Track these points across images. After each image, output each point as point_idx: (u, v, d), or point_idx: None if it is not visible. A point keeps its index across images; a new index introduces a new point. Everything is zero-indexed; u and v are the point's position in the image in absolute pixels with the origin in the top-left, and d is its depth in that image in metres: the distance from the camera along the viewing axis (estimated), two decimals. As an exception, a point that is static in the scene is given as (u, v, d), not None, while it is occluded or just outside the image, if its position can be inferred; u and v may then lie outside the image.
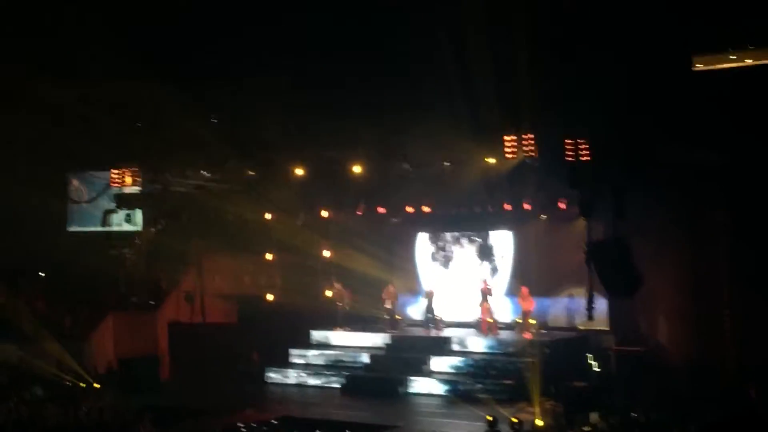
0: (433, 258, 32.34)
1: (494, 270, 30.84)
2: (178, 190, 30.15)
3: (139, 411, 24.28)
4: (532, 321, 28.38)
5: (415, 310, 31.87)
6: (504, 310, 29.71)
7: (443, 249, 32.13)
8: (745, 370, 23.43)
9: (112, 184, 29.92)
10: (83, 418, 23.80)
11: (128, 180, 29.48)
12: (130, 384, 28.50)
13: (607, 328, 27.27)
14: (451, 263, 31.99)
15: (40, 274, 34.50)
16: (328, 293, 31.31)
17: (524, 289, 28.41)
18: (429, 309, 30.16)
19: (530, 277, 29.03)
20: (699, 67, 23.17)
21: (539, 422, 21.75)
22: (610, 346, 26.64)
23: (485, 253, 31.09)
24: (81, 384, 28.74)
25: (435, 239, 32.31)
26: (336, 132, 26.03)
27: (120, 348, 31.84)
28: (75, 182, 34.43)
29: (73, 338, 31.52)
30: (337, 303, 31.02)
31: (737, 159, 23.17)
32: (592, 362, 26.43)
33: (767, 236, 23.27)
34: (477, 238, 31.36)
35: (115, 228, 31.81)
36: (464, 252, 31.69)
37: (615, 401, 22.22)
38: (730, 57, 23.00)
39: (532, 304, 28.40)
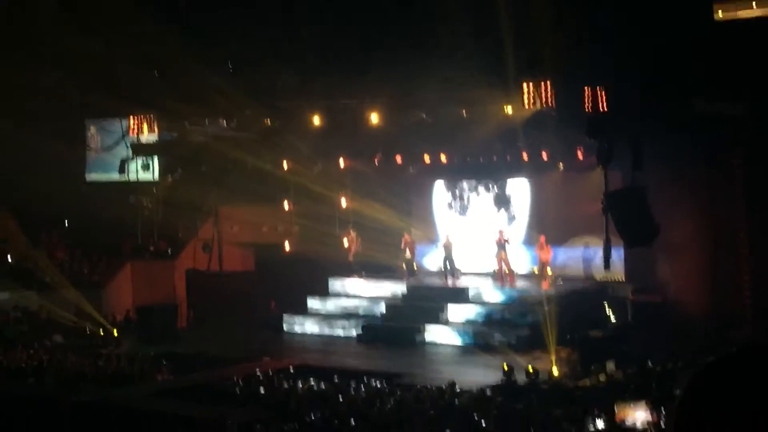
0: (450, 206, 32.27)
1: (511, 218, 30.78)
2: (195, 139, 30.16)
3: (156, 358, 24.50)
4: (548, 271, 28.36)
5: (432, 260, 31.87)
6: (521, 260, 29.68)
7: (460, 197, 32.07)
8: (762, 319, 23.41)
9: (129, 133, 29.93)
10: (101, 365, 24.04)
11: (146, 128, 29.49)
12: (147, 332, 28.73)
13: (623, 278, 27.29)
14: (468, 211, 31.94)
15: (59, 223, 34.65)
16: (346, 242, 31.36)
17: (542, 238, 28.34)
18: (447, 258, 30.12)
19: (547, 226, 29.00)
20: (720, 15, 22.93)
21: (555, 371, 21.84)
22: (626, 295, 26.66)
23: (502, 201, 31.01)
24: (99, 331, 28.99)
25: (452, 187, 32.23)
26: (353, 81, 25.91)
27: (138, 296, 32.09)
28: (93, 129, 34.48)
29: (92, 286, 31.78)
30: (350, 252, 31.02)
31: (756, 109, 23.00)
32: (609, 312, 26.48)
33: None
34: (494, 187, 31.28)
35: (132, 177, 31.88)
36: (481, 200, 31.61)
37: (631, 351, 22.27)
38: (752, 5, 22.74)
39: (550, 254, 28.36)
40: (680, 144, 24.17)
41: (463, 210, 31.98)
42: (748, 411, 1.49)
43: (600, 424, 15.52)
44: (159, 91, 28.35)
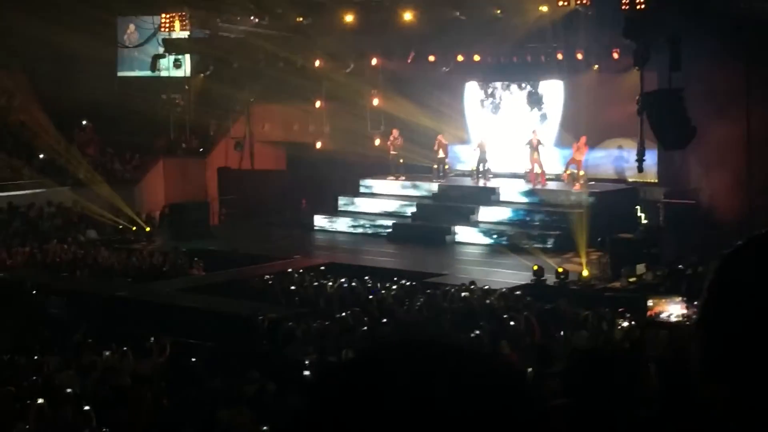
0: (482, 105, 31.91)
1: (543, 117, 30.38)
2: (227, 35, 29.97)
3: (188, 255, 24.72)
4: (581, 172, 28.09)
5: (465, 160, 31.70)
6: (553, 161, 29.46)
7: (492, 96, 31.73)
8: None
9: (161, 29, 29.78)
10: (135, 261, 24.29)
11: (177, 25, 29.33)
12: (179, 229, 28.89)
13: (656, 181, 27.11)
14: (499, 111, 31.61)
15: (92, 119, 34.66)
16: (377, 142, 31.19)
17: (582, 138, 27.78)
18: (481, 159, 29.89)
19: (580, 128, 28.68)
20: None
21: (585, 273, 21.86)
22: (658, 198, 26.50)
23: (535, 100, 30.59)
24: (132, 228, 29.22)
25: (484, 87, 31.87)
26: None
27: (170, 193, 32.25)
28: (132, 27, 34.28)
29: (125, 183, 31.96)
30: (392, 152, 30.70)
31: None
32: (641, 214, 26.39)
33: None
34: (527, 86, 30.88)
35: (164, 73, 31.79)
36: (513, 99, 31.23)
37: (662, 253, 22.23)
38: None
39: (584, 155, 27.93)
40: (719, 46, 23.72)
41: (495, 109, 31.66)
42: None
43: (629, 323, 15.56)
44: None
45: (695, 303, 15.62)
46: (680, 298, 16.22)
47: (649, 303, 16.09)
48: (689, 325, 14.56)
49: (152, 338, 15.43)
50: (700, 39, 22.26)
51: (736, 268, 1.46)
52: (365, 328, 16.04)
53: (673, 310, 15.91)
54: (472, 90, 31.97)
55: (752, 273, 1.43)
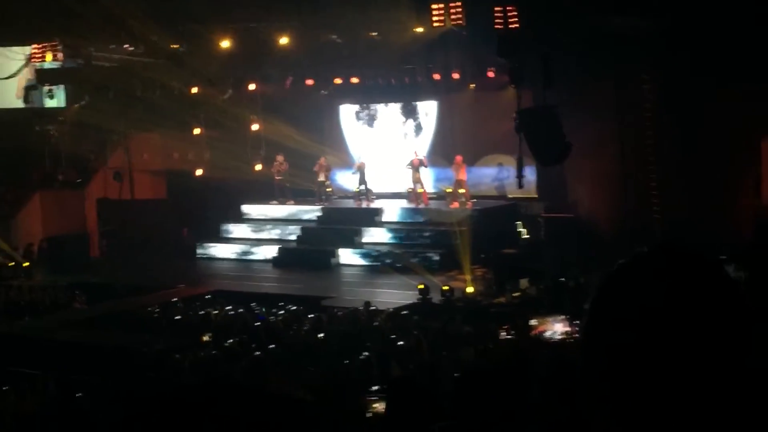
0: (358, 117, 32.07)
1: (418, 128, 30.68)
2: (101, 64, 29.49)
3: (69, 288, 24.21)
4: (461, 190, 28.40)
5: (347, 182, 31.80)
6: (428, 180, 29.71)
7: (368, 108, 31.91)
8: (670, 234, 23.87)
9: (32, 60, 29.15)
10: (13, 297, 23.70)
11: (49, 55, 28.74)
12: (59, 262, 28.34)
13: (536, 196, 27.57)
14: (375, 122, 31.81)
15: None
16: (258, 167, 31.08)
17: (458, 158, 28.18)
18: (361, 181, 30.08)
19: (459, 146, 29.04)
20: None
21: (470, 289, 22.09)
22: (539, 213, 26.96)
23: (410, 111, 30.87)
24: (10, 263, 28.52)
25: (361, 105, 32.08)
26: (262, 3, 25.52)
27: (48, 226, 31.54)
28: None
29: (0, 218, 31.15)
30: (276, 177, 30.67)
31: (665, 25, 23.15)
32: (522, 230, 26.79)
33: (692, 103, 23.44)
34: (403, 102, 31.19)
35: (37, 105, 31.12)
36: (388, 111, 31.47)
37: (544, 267, 22.58)
38: None
39: (465, 173, 28.31)
40: (591, 63, 24.26)
41: (371, 120, 31.83)
42: (661, 310, 1.45)
43: (513, 338, 15.74)
44: (62, 16, 27.61)
45: (576, 322, 15.92)
46: (563, 316, 16.48)
47: (533, 322, 16.30)
48: (572, 343, 14.80)
49: (34, 376, 15.05)
50: (571, 55, 22.76)
51: (617, 288, 1.48)
52: (257, 353, 15.91)
53: (557, 328, 16.14)
54: (348, 111, 32.13)
55: (633, 293, 1.45)
